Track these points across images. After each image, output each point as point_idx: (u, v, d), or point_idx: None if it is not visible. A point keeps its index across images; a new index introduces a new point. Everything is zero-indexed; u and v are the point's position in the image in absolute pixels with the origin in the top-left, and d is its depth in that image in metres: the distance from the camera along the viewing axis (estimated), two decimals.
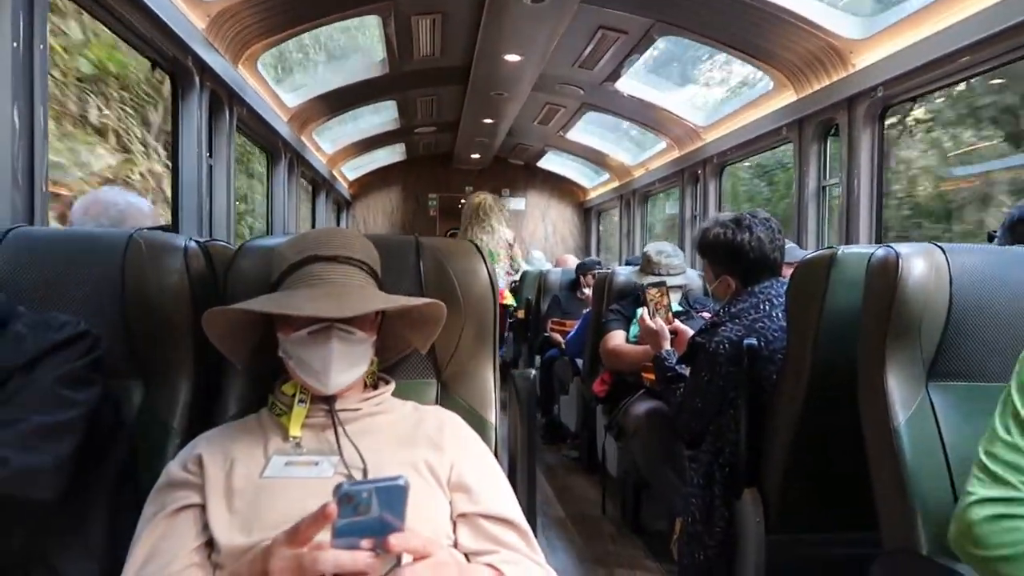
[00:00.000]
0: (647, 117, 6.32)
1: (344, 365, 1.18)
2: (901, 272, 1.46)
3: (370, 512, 0.82)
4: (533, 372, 1.64)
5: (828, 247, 2.04)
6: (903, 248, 1.50)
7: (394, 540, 0.83)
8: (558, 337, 4.90)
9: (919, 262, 1.47)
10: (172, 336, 1.44)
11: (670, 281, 3.05)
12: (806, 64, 4.01)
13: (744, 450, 2.02)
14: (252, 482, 1.12)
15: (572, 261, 6.78)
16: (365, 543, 0.83)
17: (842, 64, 3.76)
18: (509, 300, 7.05)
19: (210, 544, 1.07)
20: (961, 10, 2.93)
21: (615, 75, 5.59)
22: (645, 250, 3.44)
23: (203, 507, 1.10)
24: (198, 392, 1.45)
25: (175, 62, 3.44)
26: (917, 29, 3.21)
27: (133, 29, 3.05)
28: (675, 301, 3.14)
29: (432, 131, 8.15)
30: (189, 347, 1.44)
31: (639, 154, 7.59)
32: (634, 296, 3.42)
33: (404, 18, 4.64)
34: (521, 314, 6.53)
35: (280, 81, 5.48)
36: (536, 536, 1.19)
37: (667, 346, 2.62)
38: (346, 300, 1.16)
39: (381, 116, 7.51)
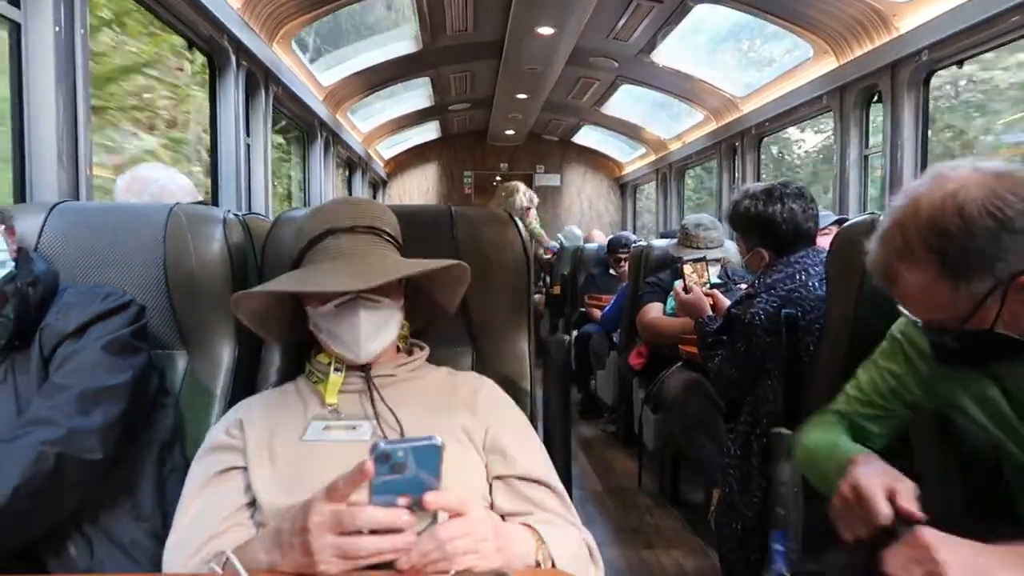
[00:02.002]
0: (683, 88, 6.23)
1: (373, 333, 1.20)
2: None
3: (406, 471, 0.84)
4: (567, 337, 1.64)
5: (870, 213, 1.99)
6: None
7: (430, 498, 0.85)
8: (596, 312, 4.89)
9: None
10: (213, 306, 1.47)
11: (709, 255, 3.02)
12: (847, 29, 3.90)
13: (782, 420, 2.00)
14: (292, 445, 1.15)
15: (601, 236, 6.74)
16: (401, 501, 0.85)
17: (884, 28, 3.66)
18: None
19: (252, 504, 1.11)
20: None
21: (650, 46, 5.51)
22: (683, 223, 3.40)
23: (245, 469, 1.13)
24: (239, 360, 1.49)
25: (212, 42, 3.49)
26: None
27: (170, 9, 3.09)
28: (714, 274, 3.10)
29: (466, 108, 8.14)
30: (229, 317, 1.47)
31: (675, 126, 7.49)
32: (672, 269, 3.39)
33: None
34: (557, 290, 6.53)
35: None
36: (574, 507, 1.20)
37: (709, 312, 2.60)
38: (366, 271, 1.17)
39: (415, 94, 7.52)
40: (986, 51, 3.33)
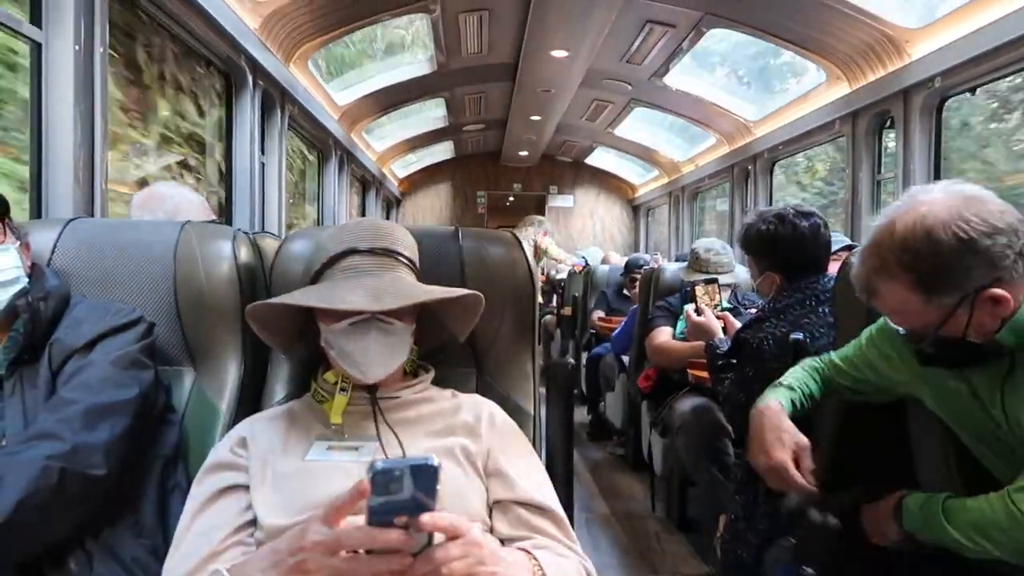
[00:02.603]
0: (696, 112, 6.25)
1: (384, 355, 1.20)
2: None
3: (403, 491, 0.84)
4: (571, 361, 1.63)
5: None
6: None
7: (426, 519, 0.84)
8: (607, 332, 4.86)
9: None
10: (221, 323, 1.48)
11: (720, 280, 3.01)
12: (860, 55, 3.91)
13: None
14: (295, 465, 1.16)
15: (617, 259, 6.74)
16: (398, 521, 0.84)
17: (897, 54, 3.66)
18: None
19: (253, 523, 1.11)
20: None
21: (663, 70, 5.54)
22: (694, 247, 3.39)
23: (247, 487, 1.14)
24: (245, 377, 1.49)
25: (229, 62, 3.55)
26: (977, 16, 3.10)
27: (190, 30, 3.15)
28: (724, 299, 3.09)
29: (480, 129, 8.20)
30: (237, 334, 1.49)
31: (688, 150, 7.51)
32: (682, 293, 3.37)
33: (451, 16, 4.68)
34: (568, 311, 6.51)
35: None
36: (580, 532, 1.19)
37: (720, 334, 2.58)
38: (385, 293, 1.18)
39: (430, 114, 7.59)
40: (999, 78, 3.32)
